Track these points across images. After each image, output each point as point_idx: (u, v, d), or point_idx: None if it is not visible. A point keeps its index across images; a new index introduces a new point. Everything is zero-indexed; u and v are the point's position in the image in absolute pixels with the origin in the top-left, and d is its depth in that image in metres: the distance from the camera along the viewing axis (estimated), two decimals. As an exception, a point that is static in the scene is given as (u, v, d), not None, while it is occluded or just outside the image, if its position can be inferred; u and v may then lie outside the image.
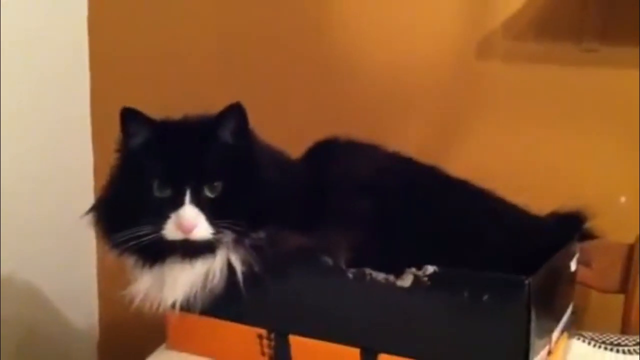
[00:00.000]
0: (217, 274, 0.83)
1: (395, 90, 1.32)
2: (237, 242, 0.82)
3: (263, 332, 0.88)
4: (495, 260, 0.79)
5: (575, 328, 0.99)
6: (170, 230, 0.81)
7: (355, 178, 0.89)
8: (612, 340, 1.01)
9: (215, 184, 0.81)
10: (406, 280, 0.79)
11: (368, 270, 0.81)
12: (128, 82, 1.48)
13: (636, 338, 1.02)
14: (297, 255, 0.82)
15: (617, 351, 0.98)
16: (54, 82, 1.44)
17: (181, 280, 0.83)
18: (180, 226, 0.80)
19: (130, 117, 0.84)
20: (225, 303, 0.86)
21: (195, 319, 0.89)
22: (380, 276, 0.81)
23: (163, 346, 0.97)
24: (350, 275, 0.82)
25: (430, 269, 0.78)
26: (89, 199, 1.48)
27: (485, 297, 0.76)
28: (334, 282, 0.83)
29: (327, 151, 0.93)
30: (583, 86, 1.25)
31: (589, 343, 0.99)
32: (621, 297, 1.17)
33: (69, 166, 1.50)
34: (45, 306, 1.41)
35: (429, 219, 0.86)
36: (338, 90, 1.36)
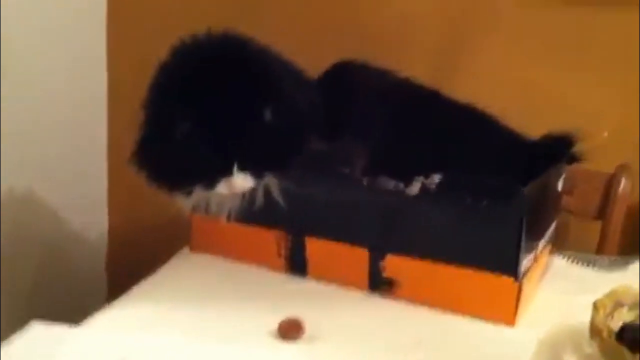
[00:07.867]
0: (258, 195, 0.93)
1: (400, 16, 1.38)
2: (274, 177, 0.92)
3: (281, 234, 0.98)
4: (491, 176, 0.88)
5: (556, 247, 1.09)
6: (221, 189, 0.89)
7: (372, 93, 0.98)
8: (588, 258, 1.11)
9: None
10: (414, 188, 0.89)
11: (380, 179, 0.90)
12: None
13: (611, 257, 1.13)
14: (316, 162, 0.91)
15: (593, 267, 1.09)
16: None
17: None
18: (231, 189, 0.89)
19: None
20: (248, 210, 0.95)
21: (218, 223, 0.98)
22: (391, 184, 0.90)
23: (186, 249, 1.06)
24: (365, 183, 0.91)
25: (436, 177, 0.88)
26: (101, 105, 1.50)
27: (485, 203, 0.86)
28: (349, 188, 0.93)
29: (344, 70, 1.01)
30: (587, 21, 1.32)
31: (567, 259, 1.10)
32: (598, 224, 1.28)
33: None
34: (53, 214, 1.43)
35: (436, 136, 0.95)
36: (342, 16, 1.41)
